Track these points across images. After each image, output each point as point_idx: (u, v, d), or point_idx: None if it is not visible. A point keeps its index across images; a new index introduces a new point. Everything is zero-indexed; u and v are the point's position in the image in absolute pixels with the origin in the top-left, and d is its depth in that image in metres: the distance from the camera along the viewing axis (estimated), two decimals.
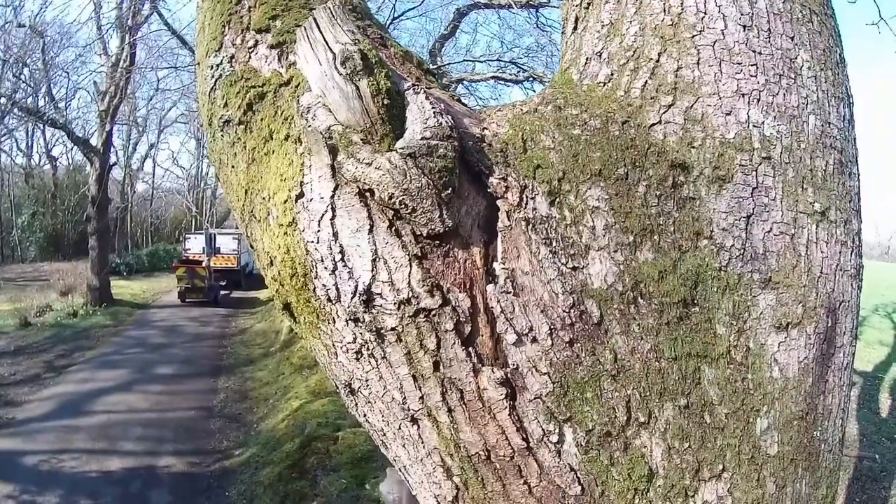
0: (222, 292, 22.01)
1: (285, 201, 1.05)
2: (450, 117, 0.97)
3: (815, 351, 1.04)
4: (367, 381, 1.02)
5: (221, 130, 1.25)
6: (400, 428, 1.02)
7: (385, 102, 0.96)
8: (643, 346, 0.95)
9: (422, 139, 0.93)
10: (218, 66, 1.30)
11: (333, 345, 1.04)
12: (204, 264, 21.14)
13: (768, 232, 1.03)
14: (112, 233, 26.51)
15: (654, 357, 0.96)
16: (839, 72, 1.14)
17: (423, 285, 0.92)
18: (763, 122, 1.04)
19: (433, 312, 0.92)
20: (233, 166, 1.23)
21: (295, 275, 1.05)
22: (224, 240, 24.56)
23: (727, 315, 1.00)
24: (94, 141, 19.28)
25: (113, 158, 21.53)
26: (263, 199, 1.13)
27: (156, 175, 43.84)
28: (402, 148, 0.93)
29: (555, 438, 0.92)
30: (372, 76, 0.95)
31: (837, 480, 1.11)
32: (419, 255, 0.93)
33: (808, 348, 1.04)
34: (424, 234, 0.93)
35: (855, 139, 1.16)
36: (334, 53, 0.96)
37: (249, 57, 1.25)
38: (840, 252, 1.07)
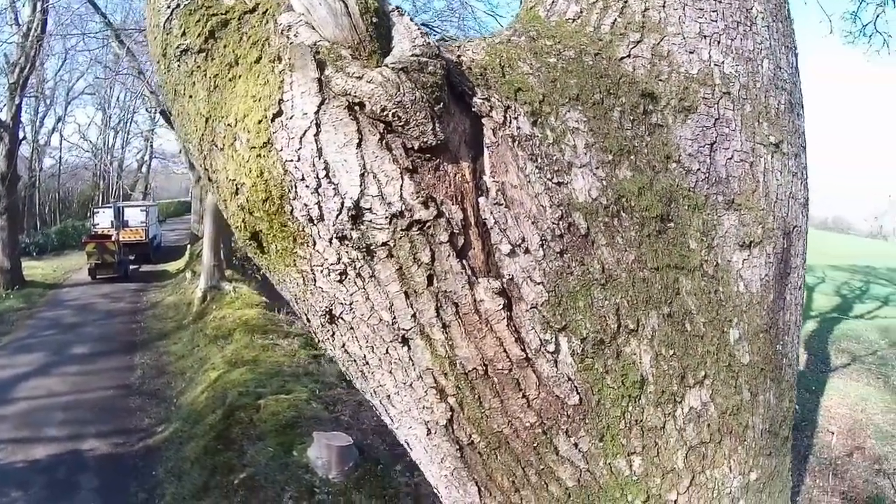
0: (132, 266, 21.97)
1: (259, 121, 1.02)
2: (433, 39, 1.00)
3: (774, 269, 1.14)
4: (351, 304, 1.00)
5: (178, 60, 1.21)
6: (387, 352, 1.00)
7: (374, 20, 0.98)
8: (628, 257, 1.01)
9: (412, 55, 0.95)
10: None
11: (312, 269, 1.02)
12: (113, 238, 20.85)
13: (730, 159, 1.13)
14: (20, 212, 25.38)
15: (638, 267, 1.01)
16: (788, 24, 1.29)
17: (417, 197, 0.92)
18: (723, 62, 1.15)
19: (428, 224, 0.92)
20: (190, 96, 1.20)
21: (269, 198, 1.02)
22: (132, 212, 24.31)
23: (698, 232, 1.08)
24: (3, 115, 18.27)
25: (21, 133, 20.24)
26: (228, 125, 1.10)
27: (63, 150, 41.38)
28: (395, 63, 0.94)
29: (552, 348, 0.94)
30: None
31: (795, 395, 1.21)
32: (410, 168, 0.94)
33: (767, 266, 1.14)
34: (416, 148, 0.94)
35: (800, 84, 1.30)
36: None
37: None
38: (792, 182, 1.19)
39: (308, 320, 1.14)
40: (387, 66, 0.95)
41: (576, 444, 0.97)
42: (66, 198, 42.23)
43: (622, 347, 0.98)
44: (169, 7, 1.25)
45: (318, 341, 1.17)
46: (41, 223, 34.78)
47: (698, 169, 1.10)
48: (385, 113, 0.93)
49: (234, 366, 10.14)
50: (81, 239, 24.22)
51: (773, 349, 1.13)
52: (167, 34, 1.25)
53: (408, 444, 1.15)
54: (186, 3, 1.23)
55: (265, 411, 8.01)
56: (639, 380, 0.98)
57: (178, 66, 1.23)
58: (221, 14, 1.17)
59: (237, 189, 1.09)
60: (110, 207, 24.75)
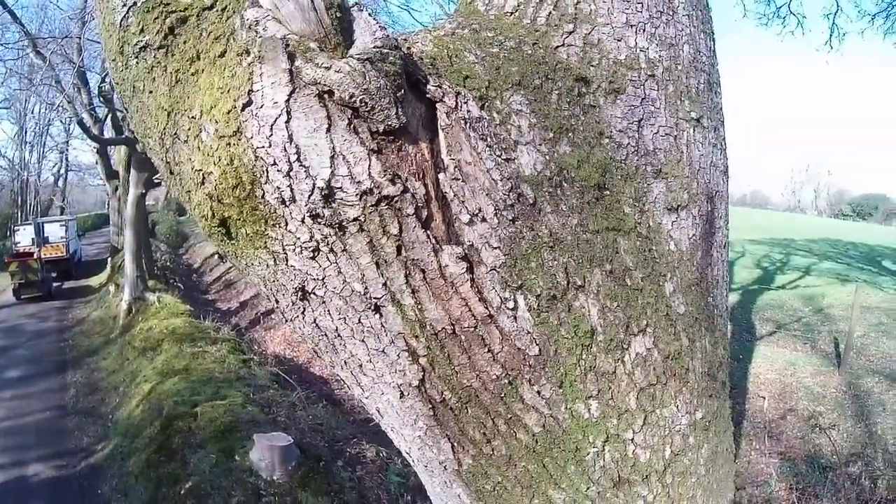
0: (55, 284, 21.57)
1: (229, 111, 1.10)
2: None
3: (700, 230, 1.31)
4: (323, 279, 1.10)
5: (136, 57, 1.27)
6: (359, 321, 1.10)
7: (337, 15, 1.08)
8: (571, 222, 1.15)
9: (374, 47, 1.06)
10: None
11: (283, 249, 1.11)
12: (35, 256, 20.51)
13: (656, 133, 1.29)
14: None
15: (581, 230, 1.16)
16: (706, 11, 1.48)
17: (384, 175, 1.03)
18: (648, 48, 1.31)
19: (395, 199, 1.04)
20: (150, 91, 1.26)
21: (239, 184, 1.11)
22: (52, 228, 23.96)
23: (631, 198, 1.24)
24: None
25: None
26: (192, 117, 1.17)
27: None
28: (360, 54, 1.05)
29: (511, 305, 1.07)
30: None
31: (728, 344, 1.39)
32: (376, 149, 1.05)
33: (694, 227, 1.30)
34: (381, 131, 1.05)
35: (717, 66, 1.48)
36: None
37: None
38: (712, 152, 1.37)
39: (276, 301, 1.22)
40: (352, 56, 1.06)
41: (539, 392, 1.10)
42: None
43: (572, 302, 1.12)
44: (125, 5, 1.30)
45: (287, 320, 1.26)
46: None
47: (628, 143, 1.26)
48: (353, 99, 1.03)
49: (167, 376, 10.18)
50: (3, 259, 23.54)
51: (704, 301, 1.30)
52: (124, 31, 1.30)
53: (378, 412, 1.25)
54: (143, 0, 1.30)
55: (203, 418, 8.01)
56: (589, 330, 1.12)
57: (137, 62, 1.28)
58: (180, 11, 1.23)
59: (203, 179, 1.17)
60: (30, 224, 24.24)
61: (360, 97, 1.03)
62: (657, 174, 1.27)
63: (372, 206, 1.04)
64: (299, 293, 1.14)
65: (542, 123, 1.18)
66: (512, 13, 1.34)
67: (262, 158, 1.07)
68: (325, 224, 1.05)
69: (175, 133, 1.22)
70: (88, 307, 19.12)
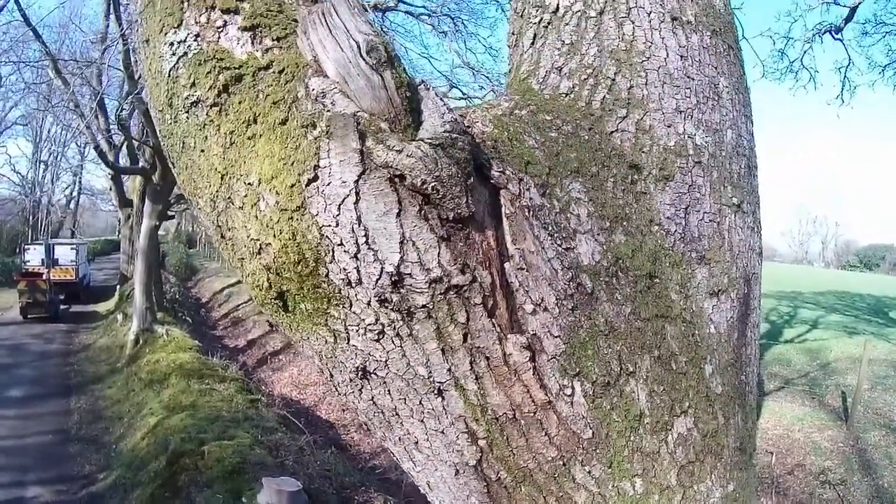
0: (62, 306, 22.57)
1: (292, 185, 1.14)
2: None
3: (737, 312, 1.44)
4: (386, 361, 1.19)
5: (187, 112, 1.30)
6: (421, 403, 1.20)
7: (407, 95, 1.15)
8: (625, 310, 1.27)
9: (444, 131, 1.14)
10: (181, 43, 1.35)
11: (346, 329, 1.19)
12: (44, 277, 21.29)
13: (701, 219, 1.42)
14: None
15: (634, 318, 1.27)
16: (746, 95, 1.61)
17: (454, 264, 1.13)
18: (695, 134, 1.44)
19: (464, 288, 1.14)
20: (202, 150, 1.29)
21: (302, 260, 1.15)
22: (62, 251, 24.94)
23: (677, 285, 1.36)
24: None
25: None
26: (249, 184, 1.21)
27: None
28: (431, 138, 1.12)
29: (569, 391, 1.18)
30: (394, 69, 1.14)
31: (756, 417, 1.52)
32: (445, 237, 1.14)
33: (732, 310, 1.43)
34: (450, 218, 1.15)
35: (755, 148, 1.62)
36: (358, 43, 1.11)
37: (219, 37, 1.32)
38: (750, 236, 1.50)
39: (331, 375, 1.30)
40: (423, 141, 1.12)
41: (589, 472, 1.22)
42: None
43: (624, 387, 1.24)
44: (174, 54, 1.33)
45: (340, 394, 1.33)
46: None
47: (675, 230, 1.38)
48: (425, 186, 1.11)
49: (173, 411, 10.43)
50: (13, 276, 24.45)
51: (738, 379, 1.43)
52: (173, 82, 1.33)
53: (428, 486, 1.34)
54: (195, 52, 1.31)
55: (210, 457, 8.13)
56: (638, 413, 1.24)
57: (188, 118, 1.31)
58: (234, 68, 1.26)
59: (260, 249, 1.22)
60: (41, 245, 25.33)
61: (432, 184, 1.11)
62: (701, 260, 1.40)
63: (441, 294, 1.13)
64: (359, 372, 1.22)
65: (599, 212, 1.29)
66: (567, 94, 1.45)
67: (328, 237, 1.13)
68: (392, 309, 1.14)
69: (229, 197, 1.26)
70: (95, 333, 19.96)
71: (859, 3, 12.81)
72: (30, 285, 20.92)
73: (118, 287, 25.49)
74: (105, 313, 22.79)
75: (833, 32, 13.65)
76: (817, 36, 13.88)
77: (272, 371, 16.58)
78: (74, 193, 48.18)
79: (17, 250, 33.91)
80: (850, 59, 14.26)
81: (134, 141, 18.45)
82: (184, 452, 8.46)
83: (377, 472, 10.64)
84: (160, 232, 22.71)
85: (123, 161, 20.79)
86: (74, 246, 26.00)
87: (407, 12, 17.56)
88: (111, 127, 18.68)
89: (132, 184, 22.53)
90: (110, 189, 25.76)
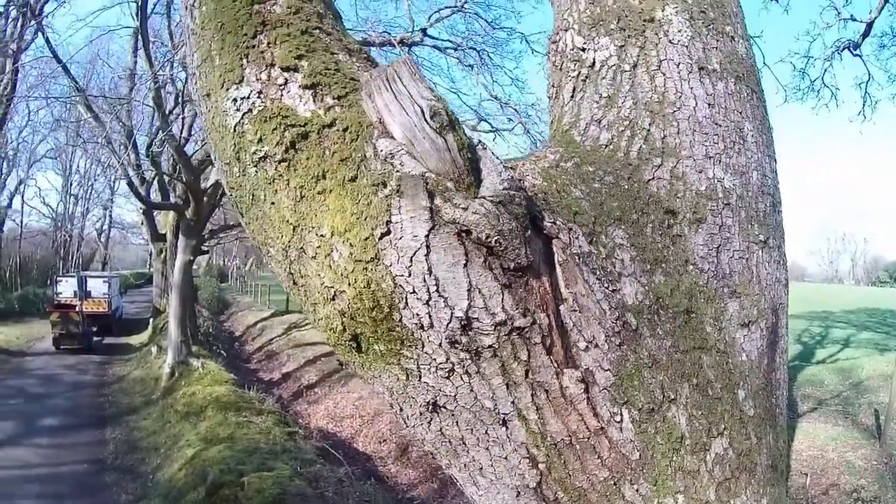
0: (95, 338, 23.08)
1: (366, 238, 1.27)
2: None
3: (767, 340, 1.59)
4: (455, 395, 1.35)
5: (255, 166, 1.42)
6: (486, 432, 1.36)
7: (468, 156, 1.31)
8: (666, 344, 1.42)
9: (503, 189, 1.30)
10: (244, 99, 1.45)
11: (418, 368, 1.35)
12: (77, 309, 21.77)
13: (731, 257, 1.57)
14: None
15: (674, 351, 1.43)
16: (769, 136, 1.76)
17: (517, 309, 1.29)
18: (724, 178, 1.59)
19: (525, 330, 1.30)
20: (273, 203, 1.41)
21: (377, 307, 1.29)
22: (95, 283, 25.43)
23: (711, 318, 1.51)
24: None
25: None
26: (321, 236, 1.34)
27: (24, 214, 43.23)
28: (492, 196, 1.28)
29: (618, 418, 1.34)
30: (455, 131, 1.29)
31: (786, 437, 1.66)
32: (507, 284, 1.31)
33: (762, 339, 1.58)
34: (511, 267, 1.31)
35: (779, 186, 1.76)
36: (422, 108, 1.26)
37: (281, 95, 1.43)
38: (777, 269, 1.65)
39: (400, 408, 1.45)
40: (486, 198, 1.27)
41: (637, 490, 1.37)
42: (24, 264, 43.35)
43: (666, 413, 1.39)
44: (238, 110, 1.44)
45: (408, 426, 1.48)
46: (2, 288, 35.73)
47: (708, 268, 1.53)
48: (489, 239, 1.27)
49: (211, 443, 10.64)
50: (45, 307, 25.33)
51: (769, 402, 1.57)
52: (239, 137, 1.44)
53: None
54: (259, 109, 1.42)
55: (250, 488, 8.31)
56: (679, 436, 1.39)
57: (256, 171, 1.42)
58: (300, 126, 1.38)
59: (335, 296, 1.36)
60: (73, 277, 26.14)
61: (495, 238, 1.27)
62: (732, 294, 1.55)
63: (505, 335, 1.29)
64: (429, 406, 1.38)
65: (640, 256, 1.45)
66: (606, 146, 1.60)
67: (401, 286, 1.29)
68: (461, 349, 1.31)
69: (301, 248, 1.39)
70: (128, 365, 20.18)
71: (875, 18, 12.91)
72: (62, 317, 21.28)
73: (151, 320, 25.95)
74: (138, 346, 23.18)
75: (851, 48, 13.76)
76: (836, 53, 13.99)
77: (308, 404, 16.76)
78: (105, 227, 49.32)
79: (49, 282, 34.79)
80: (869, 75, 14.32)
81: (165, 176, 18.83)
82: (223, 483, 8.61)
83: (415, 503, 10.81)
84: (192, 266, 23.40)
85: (154, 196, 21.35)
86: (107, 279, 26.48)
87: (434, 46, 17.93)
88: (142, 162, 19.11)
89: (164, 218, 23.04)
90: (142, 223, 26.58)
